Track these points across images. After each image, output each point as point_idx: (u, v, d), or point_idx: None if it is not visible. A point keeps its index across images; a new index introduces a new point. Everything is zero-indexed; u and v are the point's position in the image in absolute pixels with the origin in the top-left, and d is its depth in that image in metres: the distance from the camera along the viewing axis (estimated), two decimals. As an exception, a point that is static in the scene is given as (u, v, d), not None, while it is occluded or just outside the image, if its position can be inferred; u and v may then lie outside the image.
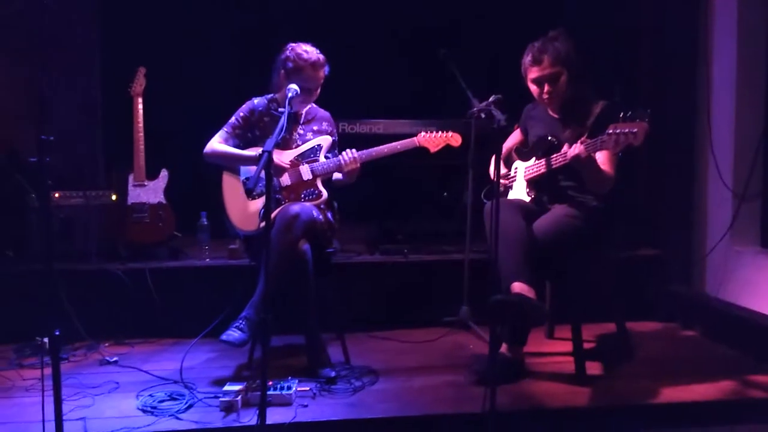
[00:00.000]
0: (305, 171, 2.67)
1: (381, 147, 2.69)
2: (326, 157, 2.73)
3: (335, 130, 2.87)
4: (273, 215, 2.50)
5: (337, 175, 2.77)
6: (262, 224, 2.53)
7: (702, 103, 3.29)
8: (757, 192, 3.11)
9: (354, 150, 2.66)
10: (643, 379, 2.49)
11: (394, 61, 4.11)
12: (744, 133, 3.10)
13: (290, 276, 2.43)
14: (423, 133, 2.77)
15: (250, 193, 2.25)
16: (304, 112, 2.78)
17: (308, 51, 2.64)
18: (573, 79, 2.55)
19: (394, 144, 2.71)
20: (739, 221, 3.11)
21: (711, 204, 3.28)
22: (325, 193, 2.66)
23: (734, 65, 3.10)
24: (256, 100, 2.78)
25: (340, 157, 2.66)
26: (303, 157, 2.70)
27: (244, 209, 2.63)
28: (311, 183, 2.67)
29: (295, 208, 2.47)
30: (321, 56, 2.65)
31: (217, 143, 2.70)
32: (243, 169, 2.71)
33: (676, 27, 3.33)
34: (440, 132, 2.80)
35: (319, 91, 2.71)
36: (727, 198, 3.14)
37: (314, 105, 2.83)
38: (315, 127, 2.79)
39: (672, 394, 2.35)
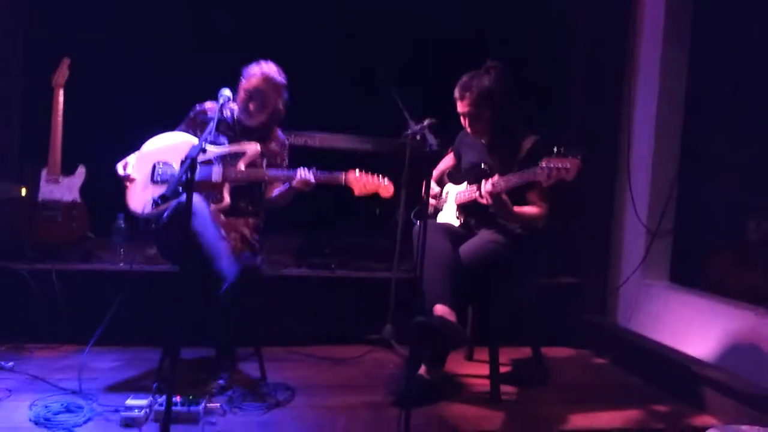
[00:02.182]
0: (216, 172, 2.56)
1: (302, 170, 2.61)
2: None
3: (286, 154, 2.79)
4: (170, 204, 2.38)
5: (277, 191, 2.71)
6: (148, 209, 2.46)
7: (623, 144, 3.46)
8: (668, 229, 3.29)
9: (311, 171, 2.58)
10: (554, 404, 2.56)
11: (334, 75, 4.10)
12: (660, 174, 3.28)
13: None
14: (356, 173, 2.60)
15: (167, 200, 2.17)
16: (262, 129, 2.71)
17: (266, 64, 2.64)
18: (495, 116, 2.60)
19: (324, 174, 2.62)
20: (651, 256, 3.28)
21: (627, 238, 3.45)
22: (227, 200, 2.55)
23: (654, 110, 3.28)
24: (207, 104, 2.72)
25: (300, 172, 2.57)
26: (221, 160, 2.60)
27: (141, 189, 2.53)
28: (216, 186, 2.55)
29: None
30: (279, 74, 2.63)
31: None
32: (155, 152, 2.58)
33: (603, 73, 3.51)
34: (373, 177, 2.61)
35: (263, 113, 2.63)
36: (642, 233, 3.31)
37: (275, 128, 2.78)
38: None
39: (579, 420, 2.42)
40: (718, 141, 3.32)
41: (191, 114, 2.71)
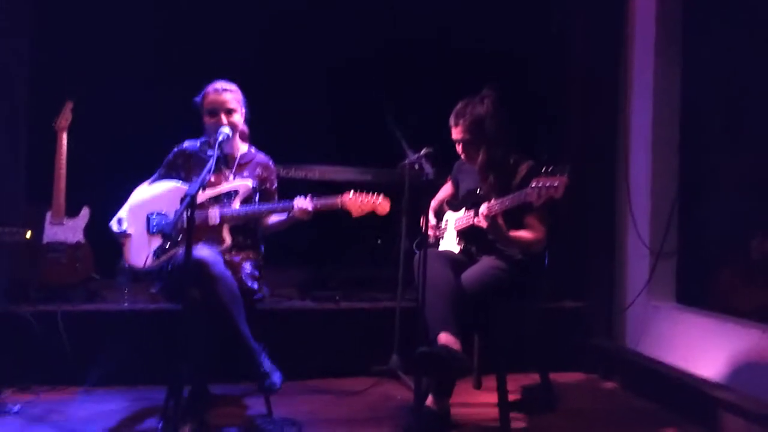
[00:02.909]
0: (213, 215, 2.55)
1: (299, 199, 2.60)
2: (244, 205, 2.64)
3: (274, 177, 2.79)
4: (171, 253, 2.46)
5: (274, 218, 2.72)
6: (149, 262, 2.47)
7: (621, 164, 3.48)
8: (672, 250, 3.27)
9: (308, 197, 2.59)
10: (565, 431, 2.52)
11: (332, 106, 4.15)
12: (659, 194, 3.28)
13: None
14: (350, 195, 2.62)
15: (168, 237, 2.19)
16: (238, 155, 2.72)
17: (217, 81, 2.65)
18: (491, 143, 2.62)
19: (321, 200, 2.61)
20: (655, 277, 3.26)
21: (630, 260, 3.43)
22: (228, 240, 2.55)
23: (650, 128, 3.29)
24: (186, 143, 2.72)
25: (297, 201, 2.57)
26: (216, 201, 2.59)
27: (139, 243, 2.54)
28: (216, 228, 2.55)
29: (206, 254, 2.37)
30: (229, 84, 2.64)
31: (141, 185, 2.66)
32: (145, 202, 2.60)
33: (597, 92, 3.53)
34: (368, 196, 2.64)
35: (234, 119, 2.61)
36: (645, 255, 3.29)
37: (253, 149, 2.79)
38: (246, 173, 2.71)
39: (591, 447, 2.39)
40: (716, 153, 3.32)
41: (170, 157, 2.69)
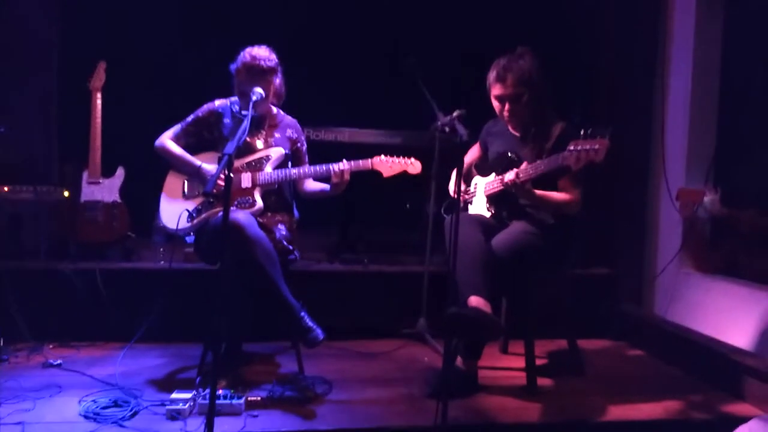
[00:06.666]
0: (245, 178, 2.61)
1: (332, 164, 2.63)
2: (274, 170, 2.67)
3: (302, 137, 2.83)
4: (203, 216, 2.53)
5: (314, 186, 2.75)
6: (182, 224, 2.55)
7: (656, 129, 3.40)
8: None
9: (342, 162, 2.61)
10: (593, 396, 2.54)
11: (362, 68, 4.11)
12: (695, 160, 3.22)
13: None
14: (381, 157, 2.67)
15: (209, 195, 2.23)
16: (268, 117, 2.75)
17: (256, 56, 2.59)
18: (534, 99, 2.58)
19: (350, 162, 2.64)
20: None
21: (662, 227, 3.39)
22: (259, 203, 2.59)
23: (688, 95, 3.21)
24: (217, 102, 2.74)
25: (331, 166, 2.61)
26: (248, 166, 2.64)
27: (174, 207, 2.61)
28: (248, 191, 2.60)
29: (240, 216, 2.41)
30: (267, 62, 2.59)
31: (168, 139, 2.69)
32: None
33: (633, 56, 3.45)
34: (399, 158, 2.69)
35: (274, 87, 2.65)
36: (678, 222, 3.25)
37: (281, 112, 2.80)
38: (278, 134, 2.74)
39: (619, 412, 2.40)
40: (756, 115, 3.21)
41: (201, 114, 2.71)
